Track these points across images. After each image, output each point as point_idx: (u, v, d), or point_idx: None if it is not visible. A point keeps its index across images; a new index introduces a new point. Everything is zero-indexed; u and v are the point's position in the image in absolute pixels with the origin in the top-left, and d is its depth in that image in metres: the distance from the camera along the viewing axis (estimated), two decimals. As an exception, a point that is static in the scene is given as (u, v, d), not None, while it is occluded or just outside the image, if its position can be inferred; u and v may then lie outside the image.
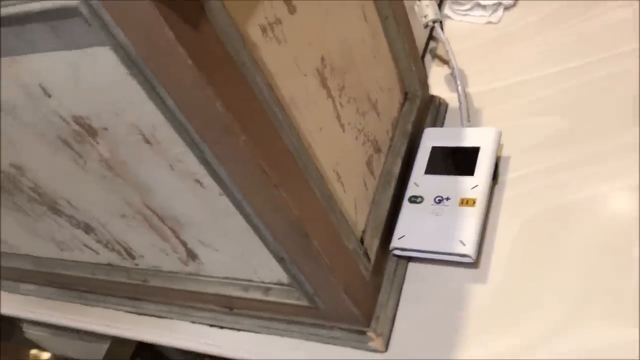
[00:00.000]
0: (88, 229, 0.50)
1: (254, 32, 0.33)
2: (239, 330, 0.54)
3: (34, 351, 0.69)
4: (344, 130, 0.45)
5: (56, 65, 0.32)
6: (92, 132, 0.37)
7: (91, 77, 0.32)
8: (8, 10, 0.28)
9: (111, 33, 0.27)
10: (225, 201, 0.38)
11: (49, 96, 0.35)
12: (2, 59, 0.33)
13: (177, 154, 0.36)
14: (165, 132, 0.34)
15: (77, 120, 0.36)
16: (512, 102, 0.59)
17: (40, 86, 0.35)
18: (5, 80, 0.35)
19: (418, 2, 0.59)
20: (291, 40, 0.37)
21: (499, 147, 0.53)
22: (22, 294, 0.68)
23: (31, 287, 0.67)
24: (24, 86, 0.35)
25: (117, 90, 0.32)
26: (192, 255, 0.48)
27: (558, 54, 0.61)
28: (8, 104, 0.38)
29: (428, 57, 0.68)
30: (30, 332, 0.87)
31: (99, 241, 0.52)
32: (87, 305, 0.63)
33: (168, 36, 0.26)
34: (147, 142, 0.36)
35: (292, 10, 0.37)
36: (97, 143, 0.38)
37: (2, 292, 0.70)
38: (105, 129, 0.36)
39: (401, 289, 0.50)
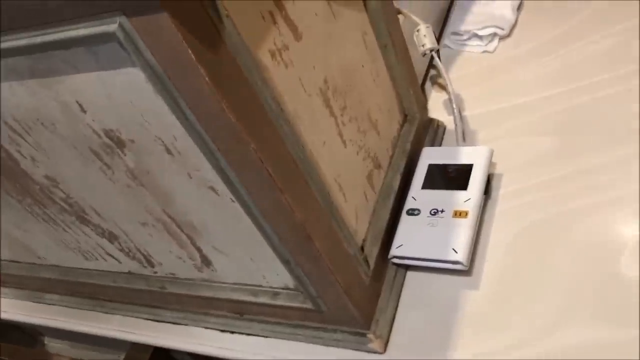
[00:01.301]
0: (112, 237, 0.55)
1: (264, 56, 0.38)
2: (248, 334, 0.58)
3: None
4: (345, 146, 0.49)
5: (93, 84, 0.37)
6: (120, 144, 0.42)
7: (122, 94, 0.37)
8: (58, 35, 0.33)
9: (142, 55, 0.32)
10: (236, 207, 0.43)
11: (85, 112, 0.40)
12: (48, 79, 0.38)
13: (195, 163, 0.40)
14: (185, 143, 0.39)
15: (108, 133, 0.41)
16: (506, 123, 0.64)
17: (77, 103, 0.40)
18: (47, 98, 0.40)
19: (417, 32, 0.64)
20: (297, 64, 0.42)
21: (491, 164, 0.57)
22: (46, 303, 0.73)
23: (55, 297, 0.72)
24: (64, 103, 0.40)
25: (144, 105, 0.37)
26: (206, 261, 0.52)
27: (548, 80, 0.65)
28: (48, 120, 0.43)
29: (428, 84, 0.73)
30: (51, 345, 0.91)
31: (121, 249, 0.56)
32: (107, 313, 0.67)
33: (190, 57, 0.31)
34: (169, 152, 0.40)
35: (298, 37, 0.42)
36: (125, 154, 0.43)
37: (27, 302, 0.75)
38: (132, 140, 0.41)
39: (400, 294, 0.54)
